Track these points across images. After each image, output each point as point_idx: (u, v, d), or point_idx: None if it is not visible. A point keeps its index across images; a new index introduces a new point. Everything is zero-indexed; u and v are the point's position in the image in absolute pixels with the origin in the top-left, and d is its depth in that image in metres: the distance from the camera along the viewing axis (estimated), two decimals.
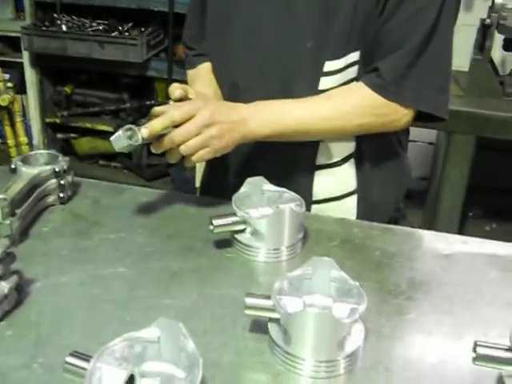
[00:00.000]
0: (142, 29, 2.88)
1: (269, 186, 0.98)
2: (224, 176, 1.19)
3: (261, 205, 0.96)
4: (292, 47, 1.03)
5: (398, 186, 1.19)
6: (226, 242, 0.95)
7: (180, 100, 0.98)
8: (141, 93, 3.11)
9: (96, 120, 3.12)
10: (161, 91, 3.04)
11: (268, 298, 0.74)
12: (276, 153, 1.08)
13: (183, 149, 0.93)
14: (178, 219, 1.03)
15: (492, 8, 2.17)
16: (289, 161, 1.10)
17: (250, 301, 0.74)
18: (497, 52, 2.38)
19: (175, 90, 0.98)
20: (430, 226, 2.28)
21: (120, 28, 2.89)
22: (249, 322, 0.77)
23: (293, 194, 0.98)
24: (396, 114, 1.02)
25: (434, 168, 2.59)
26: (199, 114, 0.93)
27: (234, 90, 1.11)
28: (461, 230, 2.36)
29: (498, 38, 2.24)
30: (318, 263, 0.77)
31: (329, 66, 1.02)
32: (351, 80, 1.04)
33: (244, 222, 0.93)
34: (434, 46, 0.99)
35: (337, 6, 0.99)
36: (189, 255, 0.93)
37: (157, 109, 0.95)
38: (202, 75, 1.20)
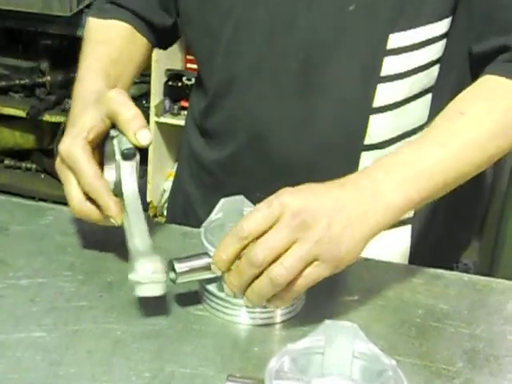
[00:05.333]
0: None
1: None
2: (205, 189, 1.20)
3: None
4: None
5: (471, 212, 1.21)
6: (193, 296, 0.95)
7: None
8: (67, 60, 3.09)
9: (1, 100, 3.12)
10: None
11: (260, 382, 0.72)
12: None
13: (279, 273, 0.82)
14: (124, 257, 1.00)
15: None
16: None
17: None
18: None
19: (142, 132, 0.93)
20: (491, 263, 2.29)
21: None
22: None
23: None
24: None
25: (497, 179, 2.61)
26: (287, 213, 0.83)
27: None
28: None
29: None
30: (335, 330, 0.76)
31: (397, 40, 1.03)
32: (434, 62, 1.06)
33: None
34: None
35: None
36: (139, 314, 0.92)
37: None
38: (110, 41, 1.15)
